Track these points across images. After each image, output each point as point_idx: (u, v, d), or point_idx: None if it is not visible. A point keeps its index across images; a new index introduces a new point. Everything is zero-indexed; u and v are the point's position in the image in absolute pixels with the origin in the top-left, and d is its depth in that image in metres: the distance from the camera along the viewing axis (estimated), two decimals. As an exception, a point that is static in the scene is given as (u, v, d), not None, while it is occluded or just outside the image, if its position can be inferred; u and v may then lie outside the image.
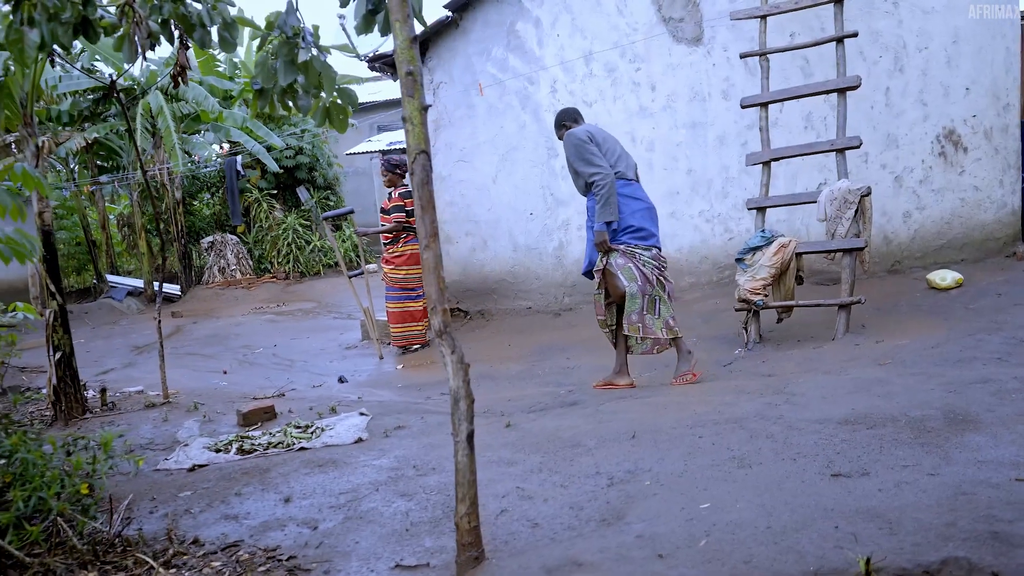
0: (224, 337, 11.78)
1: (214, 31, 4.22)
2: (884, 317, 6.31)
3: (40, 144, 5.99)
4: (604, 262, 5.47)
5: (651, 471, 3.52)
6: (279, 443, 4.95)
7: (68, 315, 6.26)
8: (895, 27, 7.44)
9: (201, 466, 4.72)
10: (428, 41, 9.07)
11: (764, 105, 6.86)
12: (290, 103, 4.45)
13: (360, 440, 4.84)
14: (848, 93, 6.79)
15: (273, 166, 17.29)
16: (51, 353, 6.18)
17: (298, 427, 5.19)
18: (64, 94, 15.89)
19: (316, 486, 4.04)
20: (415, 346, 8.63)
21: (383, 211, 8.59)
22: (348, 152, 20.81)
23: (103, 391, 6.64)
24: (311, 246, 18.14)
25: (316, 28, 4.19)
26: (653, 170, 8.43)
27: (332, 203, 19.35)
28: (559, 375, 6.72)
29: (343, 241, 18.38)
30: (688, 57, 8.20)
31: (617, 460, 3.73)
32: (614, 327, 5.68)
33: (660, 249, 5.58)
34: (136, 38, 3.85)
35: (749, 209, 6.73)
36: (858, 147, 6.37)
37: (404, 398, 6.53)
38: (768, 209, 7.64)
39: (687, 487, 3.24)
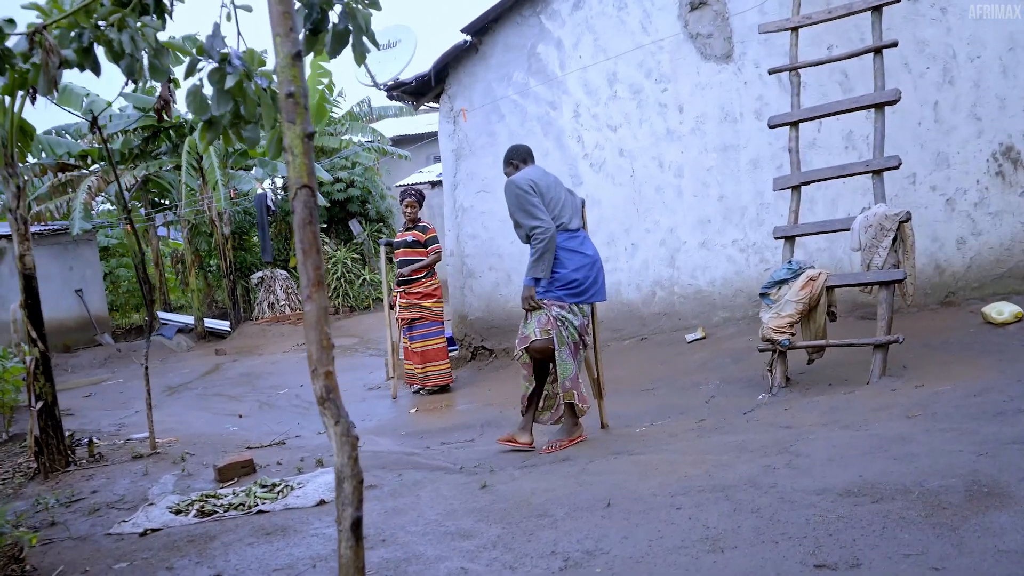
0: (256, 376, 11.54)
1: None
2: (930, 356, 5.63)
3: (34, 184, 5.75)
4: (534, 322, 5.06)
5: (609, 553, 2.99)
6: (240, 504, 4.56)
7: (51, 363, 5.96)
8: (943, 35, 6.77)
9: (154, 530, 4.37)
10: (447, 67, 8.71)
11: (795, 124, 6.27)
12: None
13: (322, 502, 4.42)
14: (892, 109, 6.19)
15: (320, 199, 17.16)
16: (32, 403, 5.89)
17: (264, 486, 4.79)
18: (116, 133, 16.05)
19: (254, 559, 3.62)
20: (436, 386, 8.20)
21: (411, 244, 8.16)
22: (398, 184, 20.62)
23: (91, 442, 6.36)
24: (361, 280, 17.94)
25: (251, 52, 3.81)
26: (683, 196, 7.87)
27: (385, 235, 19.17)
28: (567, 422, 6.19)
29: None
30: (718, 75, 7.64)
31: (579, 536, 3.21)
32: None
33: (600, 300, 5.25)
34: (49, 67, 3.52)
35: (776, 238, 6.12)
36: (897, 167, 5.72)
37: (401, 447, 6.09)
38: (807, 238, 7.04)
39: (641, 577, 2.71)
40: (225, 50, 3.62)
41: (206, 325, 17.09)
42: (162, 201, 18.81)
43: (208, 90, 3.76)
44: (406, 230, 8.24)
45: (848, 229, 5.78)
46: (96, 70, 3.73)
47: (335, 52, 3.74)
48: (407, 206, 8.13)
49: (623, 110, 8.08)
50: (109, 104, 8.40)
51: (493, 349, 8.97)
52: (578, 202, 5.25)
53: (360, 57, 3.98)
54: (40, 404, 5.89)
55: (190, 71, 3.70)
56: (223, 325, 17.12)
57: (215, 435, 7.40)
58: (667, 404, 6.06)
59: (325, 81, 18.64)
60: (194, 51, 3.74)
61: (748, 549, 2.81)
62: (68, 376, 13.62)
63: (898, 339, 5.28)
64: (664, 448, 4.50)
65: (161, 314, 17.95)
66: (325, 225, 18.94)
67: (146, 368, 6.33)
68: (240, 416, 8.50)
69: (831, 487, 3.22)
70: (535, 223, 4.87)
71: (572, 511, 3.55)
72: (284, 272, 17.77)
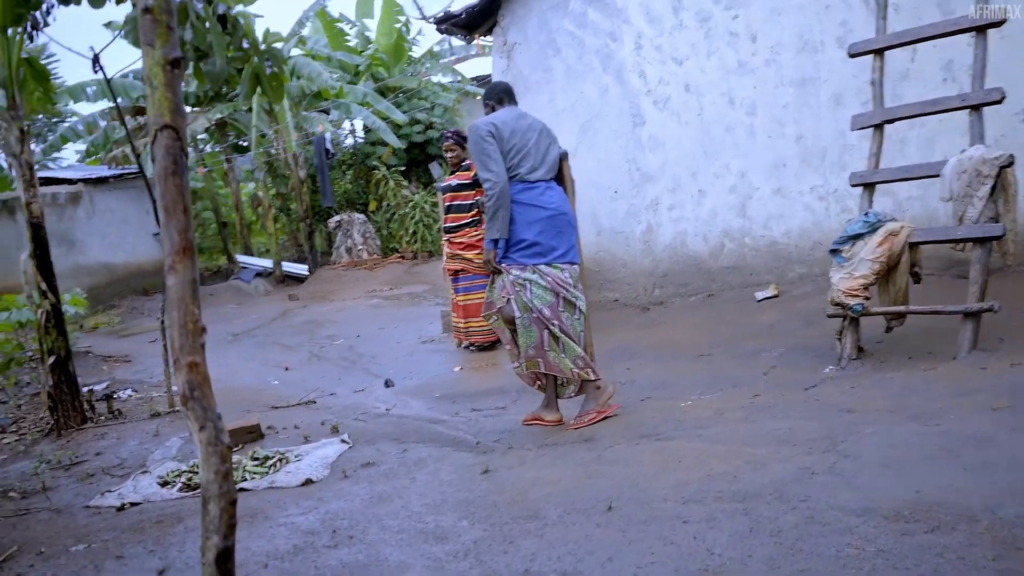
0: (319, 324, 11.29)
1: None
2: (1034, 326, 4.80)
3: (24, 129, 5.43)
4: (497, 286, 4.61)
5: (586, 580, 2.43)
6: (227, 479, 4.16)
7: (63, 315, 5.68)
8: (1067, -56, 5.74)
9: (134, 504, 4.05)
10: (501, -3, 8.02)
11: (879, 52, 5.40)
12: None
13: (309, 482, 3.98)
14: (999, 33, 5.26)
15: (395, 141, 16.72)
16: (44, 358, 5.62)
17: (256, 459, 4.39)
18: (189, 75, 15.86)
19: (209, 552, 3.18)
20: (487, 342, 7.68)
21: (456, 188, 7.62)
22: (480, 126, 20.01)
23: (109, 398, 6.10)
24: (439, 225, 17.52)
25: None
26: (755, 137, 7.05)
27: (469, 177, 18.71)
28: (608, 391, 5.60)
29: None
30: (796, -1, 6.75)
31: (562, 551, 2.67)
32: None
33: (574, 263, 4.53)
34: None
35: (853, 186, 5.30)
36: (999, 102, 4.83)
37: (430, 412, 5.64)
38: (897, 185, 6.21)
39: (611, 625, 2.14)
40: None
41: (284, 269, 17.01)
42: (242, 143, 18.67)
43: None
44: (451, 174, 7.70)
45: (939, 175, 4.95)
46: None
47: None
48: (447, 150, 7.61)
49: (689, 40, 7.25)
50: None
51: (550, 303, 8.39)
52: (554, 153, 4.59)
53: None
54: (52, 359, 5.64)
55: (129, -6, 3.20)
56: (302, 269, 16.99)
57: (252, 389, 7.12)
58: (723, 373, 5.39)
59: (403, 19, 18.08)
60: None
61: (754, 590, 2.21)
62: (142, 320, 13.70)
63: (993, 307, 4.46)
64: (700, 432, 3.87)
65: (240, 258, 17.95)
66: (404, 168, 18.53)
67: (162, 322, 6.01)
68: (286, 368, 8.20)
69: (876, 506, 2.56)
70: (485, 175, 4.34)
71: (567, 513, 3.00)
72: (362, 216, 17.48)
